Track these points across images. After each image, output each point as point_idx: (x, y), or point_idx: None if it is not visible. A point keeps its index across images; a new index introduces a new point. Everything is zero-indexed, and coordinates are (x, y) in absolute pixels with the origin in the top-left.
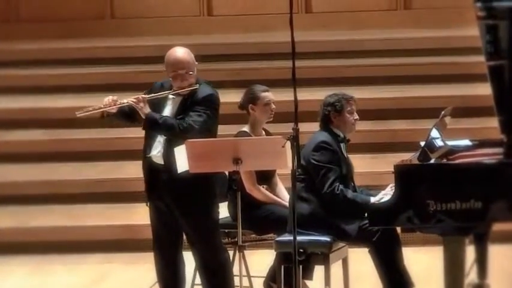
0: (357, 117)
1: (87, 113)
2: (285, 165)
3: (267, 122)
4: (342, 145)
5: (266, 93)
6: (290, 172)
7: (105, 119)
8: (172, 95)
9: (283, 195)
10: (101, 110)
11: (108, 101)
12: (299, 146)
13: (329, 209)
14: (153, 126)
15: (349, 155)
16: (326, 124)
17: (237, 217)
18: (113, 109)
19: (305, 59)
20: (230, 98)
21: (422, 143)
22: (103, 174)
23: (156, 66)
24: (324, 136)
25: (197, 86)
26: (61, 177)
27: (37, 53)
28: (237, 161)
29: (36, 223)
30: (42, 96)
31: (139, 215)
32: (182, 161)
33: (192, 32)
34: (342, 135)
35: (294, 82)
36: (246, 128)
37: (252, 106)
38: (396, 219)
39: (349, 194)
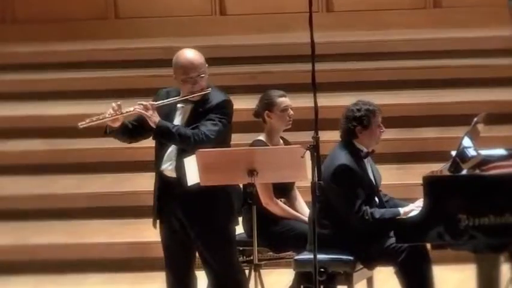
0: (383, 129)
1: (91, 124)
2: (304, 177)
3: (285, 130)
4: (366, 160)
5: (283, 99)
6: (310, 185)
7: (108, 136)
8: (182, 102)
9: (303, 209)
10: (106, 119)
11: (114, 109)
12: (320, 156)
13: (349, 230)
14: (165, 135)
15: (376, 168)
16: (349, 138)
17: (252, 233)
18: (119, 119)
19: (326, 61)
20: (244, 104)
21: (454, 153)
22: (107, 187)
23: (163, 70)
24: (344, 157)
25: (209, 90)
26: (61, 190)
27: (34, 56)
28: (252, 172)
29: (34, 240)
30: (41, 102)
31: (147, 232)
32: (192, 172)
33: (202, 32)
34: (364, 149)
35: (314, 87)
36: (261, 137)
37: (268, 113)
38: (425, 235)
39: (377, 214)
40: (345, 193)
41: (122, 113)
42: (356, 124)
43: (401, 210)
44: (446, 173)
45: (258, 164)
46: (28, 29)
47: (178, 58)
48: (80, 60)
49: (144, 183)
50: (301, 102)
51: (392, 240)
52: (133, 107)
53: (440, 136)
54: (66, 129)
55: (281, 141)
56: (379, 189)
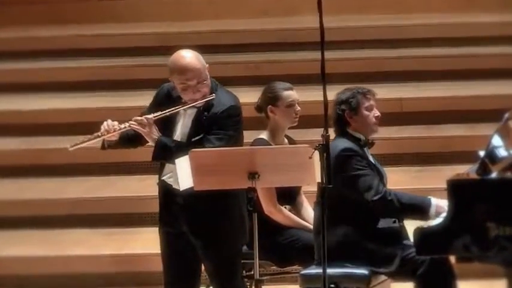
0: (377, 113)
1: (82, 145)
2: (312, 180)
3: (290, 128)
4: (366, 150)
5: (289, 92)
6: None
7: (106, 149)
8: (187, 108)
9: (310, 217)
10: (99, 139)
11: (107, 127)
12: (330, 157)
13: (363, 234)
14: (164, 155)
15: (379, 164)
16: (342, 127)
17: (253, 245)
18: (113, 136)
19: (337, 49)
20: (245, 97)
21: (482, 153)
22: (91, 192)
23: (155, 59)
24: (345, 142)
25: (213, 96)
26: (39, 195)
27: (11, 42)
28: (253, 175)
29: (8, 252)
30: (16, 96)
31: (135, 243)
32: (185, 175)
33: (199, 16)
34: (363, 138)
35: (324, 78)
36: (264, 135)
37: (272, 108)
38: (449, 246)
39: (403, 196)
40: (355, 177)
41: (115, 131)
42: (344, 108)
43: (434, 200)
44: (474, 176)
45: (259, 165)
46: (3, 12)
47: (174, 63)
48: (59, 48)
49: (133, 187)
50: (310, 95)
51: (412, 249)
52: (128, 123)
53: (467, 134)
54: (46, 126)
55: (286, 140)
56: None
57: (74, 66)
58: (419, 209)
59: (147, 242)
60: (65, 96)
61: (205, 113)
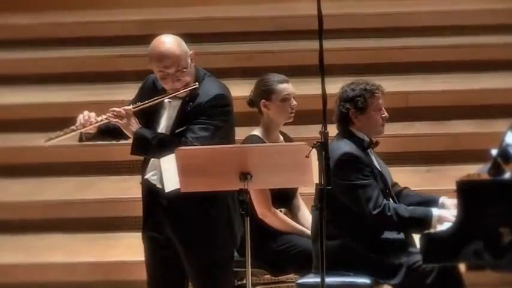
0: (385, 114)
1: (58, 139)
2: (310, 181)
3: (286, 124)
4: (370, 151)
5: (284, 85)
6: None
7: (84, 142)
8: (168, 98)
9: (307, 221)
10: (74, 132)
11: (83, 120)
12: (329, 156)
13: (364, 243)
14: (143, 148)
15: (383, 162)
16: (345, 126)
17: (245, 251)
18: (91, 129)
19: (337, 38)
20: (236, 91)
21: (494, 152)
22: (69, 194)
23: (138, 49)
24: (346, 145)
25: (196, 85)
26: (11, 198)
27: None
28: (245, 176)
29: None
30: None
31: (114, 250)
32: (171, 176)
33: (185, 3)
34: (366, 139)
35: (322, 70)
36: (257, 132)
37: (266, 102)
38: (459, 253)
39: (403, 210)
40: (354, 187)
41: (91, 124)
42: (349, 107)
43: (436, 211)
44: (486, 176)
45: (252, 165)
46: None
47: (152, 50)
48: (34, 37)
49: (113, 189)
50: (307, 89)
51: (418, 257)
52: (105, 115)
53: (478, 131)
54: (19, 122)
55: (281, 137)
56: (390, 190)
57: (51, 56)
58: (420, 223)
59: (129, 249)
60: (41, 90)
61: (190, 104)
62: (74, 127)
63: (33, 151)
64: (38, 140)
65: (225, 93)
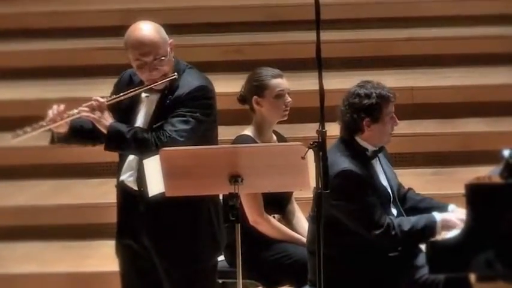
0: (397, 122)
1: (26, 135)
2: (306, 185)
3: (279, 122)
4: (373, 161)
5: (278, 80)
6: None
7: (56, 144)
8: (145, 91)
9: (303, 228)
10: (44, 128)
11: (53, 115)
12: (327, 157)
13: (365, 259)
14: (118, 143)
15: (389, 165)
16: (352, 134)
17: (235, 261)
18: (62, 126)
19: (335, 29)
20: (225, 87)
21: (507, 153)
22: (41, 198)
23: (119, 41)
24: (345, 160)
25: (175, 75)
26: None
27: None
28: (235, 179)
29: None
30: None
31: (91, 259)
32: (155, 179)
33: None
34: (370, 148)
35: (320, 64)
36: (248, 131)
37: (258, 99)
38: (468, 263)
39: (407, 224)
40: (355, 207)
41: (62, 118)
42: (364, 116)
43: (438, 216)
44: (498, 179)
45: (243, 167)
46: None
47: (128, 37)
48: (8, 28)
49: (89, 193)
50: (302, 84)
51: (424, 270)
52: (77, 109)
53: (489, 130)
54: None
55: (274, 136)
56: (395, 198)
57: (23, 49)
58: (425, 232)
59: (107, 258)
60: (11, 86)
61: (170, 97)
62: (43, 122)
63: (2, 152)
64: (5, 139)
65: (208, 85)
